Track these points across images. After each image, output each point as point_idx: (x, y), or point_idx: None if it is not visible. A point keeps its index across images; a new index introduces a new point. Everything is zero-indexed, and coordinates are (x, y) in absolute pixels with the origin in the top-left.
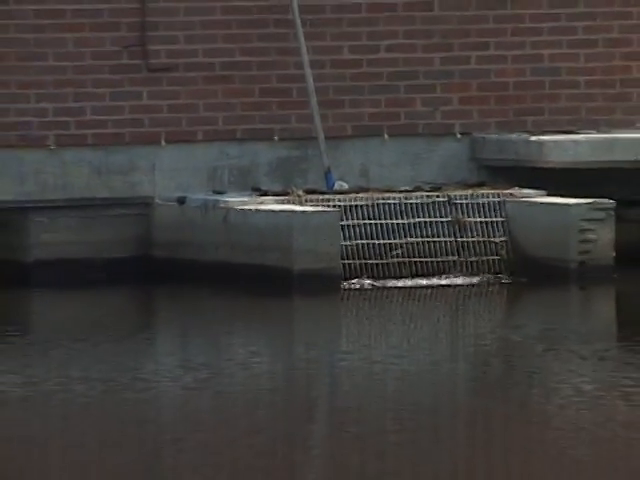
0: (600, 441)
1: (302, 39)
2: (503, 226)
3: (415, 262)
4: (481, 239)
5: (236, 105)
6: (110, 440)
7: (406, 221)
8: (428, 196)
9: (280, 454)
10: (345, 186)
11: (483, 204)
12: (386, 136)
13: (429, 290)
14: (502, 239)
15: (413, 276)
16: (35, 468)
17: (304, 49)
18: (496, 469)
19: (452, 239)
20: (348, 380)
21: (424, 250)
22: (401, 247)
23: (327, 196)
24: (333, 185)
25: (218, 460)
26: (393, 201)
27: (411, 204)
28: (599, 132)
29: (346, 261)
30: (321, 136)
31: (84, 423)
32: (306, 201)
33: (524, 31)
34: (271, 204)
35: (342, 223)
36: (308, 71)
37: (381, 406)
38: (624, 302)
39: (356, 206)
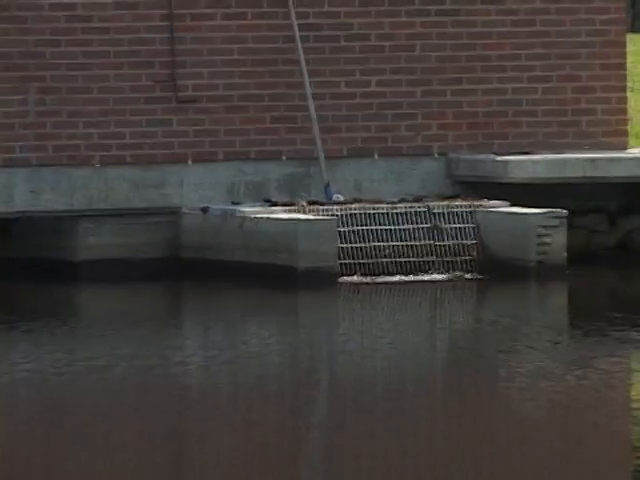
0: (552, 401)
1: (306, 75)
2: (473, 231)
3: (400, 262)
4: (455, 242)
5: (250, 130)
6: (144, 406)
7: (392, 227)
8: (411, 206)
9: (290, 414)
10: (341, 198)
11: (457, 213)
12: (376, 156)
13: (412, 285)
14: (473, 242)
15: (398, 273)
16: (82, 430)
17: (307, 83)
18: (466, 422)
19: (431, 242)
20: (344, 356)
21: (407, 251)
22: (388, 249)
23: (326, 206)
24: (331, 197)
25: (237, 421)
26: (381, 211)
27: (397, 213)
28: (554, 153)
29: (342, 261)
30: (321, 156)
31: (123, 393)
32: (309, 211)
33: (491, 69)
34: (280, 213)
35: (339, 229)
36: (311, 102)
37: (372, 376)
38: (575, 295)
39: (350, 215)
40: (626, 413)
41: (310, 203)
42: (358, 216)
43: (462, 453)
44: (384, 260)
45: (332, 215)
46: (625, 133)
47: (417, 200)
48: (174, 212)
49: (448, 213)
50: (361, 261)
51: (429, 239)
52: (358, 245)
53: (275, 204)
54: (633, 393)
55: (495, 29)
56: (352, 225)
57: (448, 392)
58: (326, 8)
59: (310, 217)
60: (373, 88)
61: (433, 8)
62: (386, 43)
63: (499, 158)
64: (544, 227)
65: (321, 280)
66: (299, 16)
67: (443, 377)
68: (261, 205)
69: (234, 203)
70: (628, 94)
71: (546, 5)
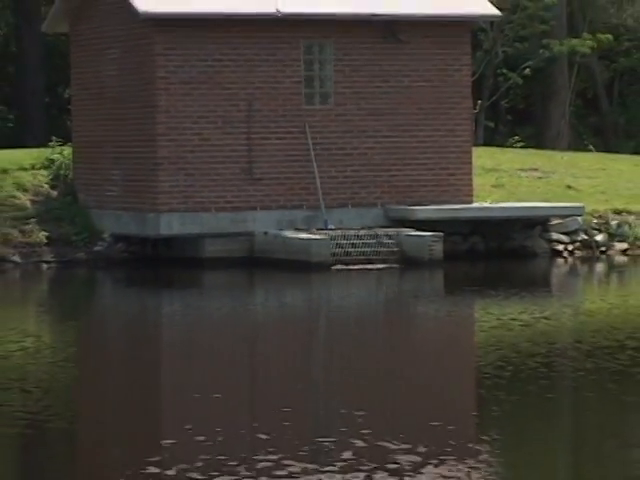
0: (434, 327)
1: (315, 168)
2: (397, 244)
3: (361, 258)
4: (388, 249)
5: (287, 194)
6: (223, 339)
7: (358, 242)
8: (367, 232)
9: (305, 342)
10: (333, 227)
11: (389, 234)
12: (349, 206)
13: (367, 270)
14: (397, 249)
15: (360, 264)
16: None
17: (316, 172)
18: (389, 329)
19: (377, 249)
20: (334, 307)
21: (365, 253)
22: (356, 252)
23: (325, 231)
24: (328, 227)
25: (273, 347)
26: (353, 233)
27: (360, 235)
28: (436, 205)
29: (333, 258)
30: (322, 206)
31: (202, 332)
32: (317, 233)
33: (405, 166)
34: (302, 234)
35: (332, 242)
36: (317, 181)
37: (348, 305)
38: (447, 275)
39: (337, 235)
40: (469, 327)
41: (317, 229)
42: (341, 236)
43: (390, 339)
44: (354, 258)
45: (328, 235)
46: (472, 195)
47: (370, 228)
48: (250, 234)
49: (385, 234)
50: (343, 258)
51: (376, 247)
52: (341, 250)
53: (300, 230)
54: (467, 322)
55: (404, 147)
56: (338, 240)
57: (383, 316)
58: (325, 134)
59: (318, 236)
60: (348, 173)
61: (379, 134)
62: (353, 151)
63: (409, 207)
64: (432, 241)
65: (323, 268)
66: (312, 138)
67: (381, 310)
68: (294, 231)
69: (280, 230)
70: (473, 177)
71: (432, 135)
